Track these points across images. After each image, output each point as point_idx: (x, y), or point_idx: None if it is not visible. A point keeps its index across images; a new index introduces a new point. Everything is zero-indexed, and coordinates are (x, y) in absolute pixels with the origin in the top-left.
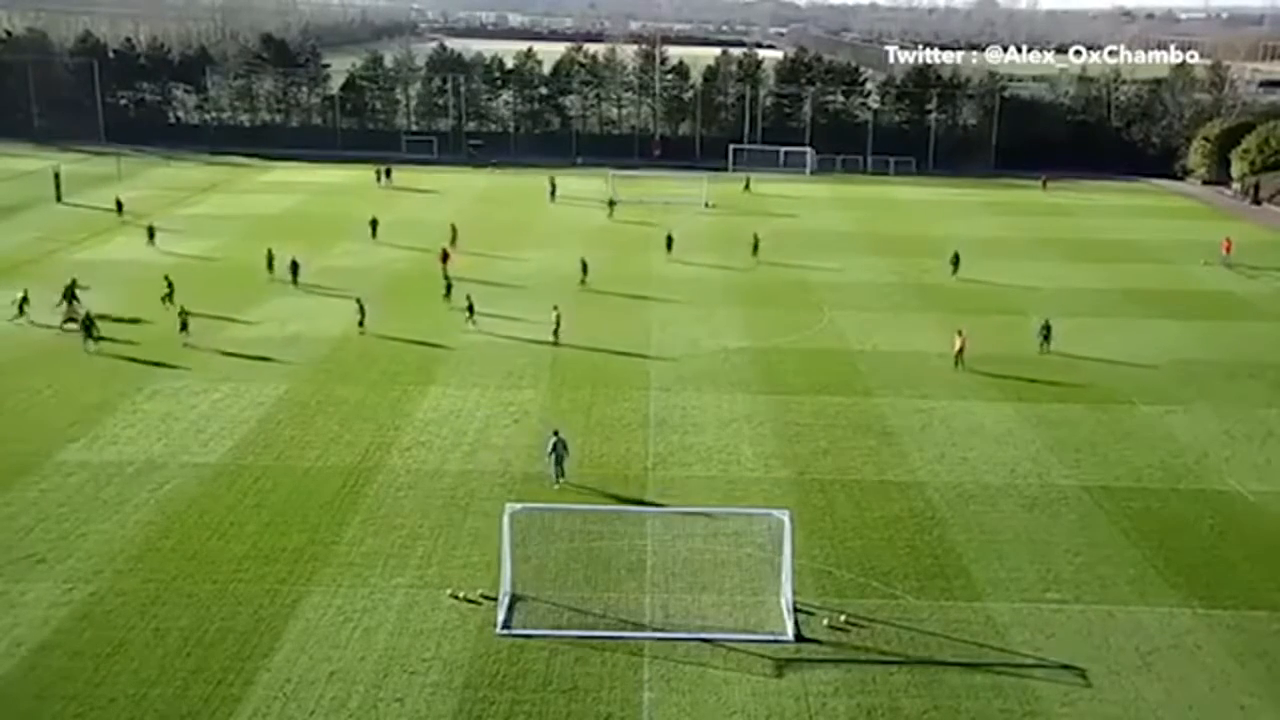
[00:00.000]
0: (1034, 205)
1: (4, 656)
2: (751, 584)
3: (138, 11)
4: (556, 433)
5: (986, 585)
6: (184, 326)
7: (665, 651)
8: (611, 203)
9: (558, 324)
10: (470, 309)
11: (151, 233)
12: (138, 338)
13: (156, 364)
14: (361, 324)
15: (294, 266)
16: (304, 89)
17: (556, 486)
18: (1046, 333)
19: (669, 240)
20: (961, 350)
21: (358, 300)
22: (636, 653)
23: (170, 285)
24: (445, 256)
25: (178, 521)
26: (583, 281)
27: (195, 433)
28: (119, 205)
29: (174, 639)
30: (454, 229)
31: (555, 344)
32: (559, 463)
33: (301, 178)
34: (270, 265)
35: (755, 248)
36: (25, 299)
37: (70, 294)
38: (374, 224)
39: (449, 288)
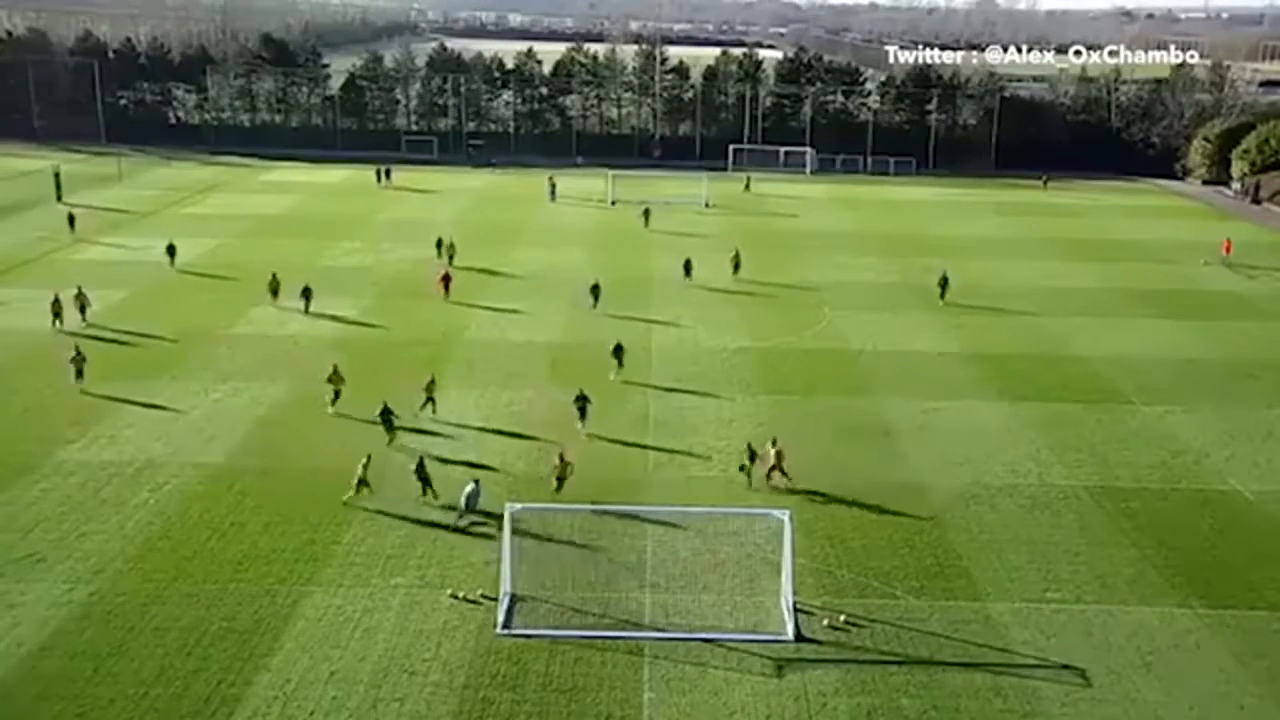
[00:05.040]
0: (1034, 205)
1: (4, 656)
2: (751, 584)
3: (138, 11)
4: (476, 481)
5: (986, 585)
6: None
7: (665, 651)
8: (646, 213)
9: (562, 473)
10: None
11: (172, 251)
12: (138, 339)
13: (156, 364)
14: (335, 400)
15: (306, 293)
16: (304, 89)
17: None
18: (945, 284)
19: (687, 265)
20: (777, 465)
21: (334, 368)
22: (636, 653)
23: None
24: (446, 280)
25: (178, 521)
26: (594, 304)
27: (195, 433)
28: (71, 221)
29: (174, 639)
30: (452, 245)
31: (556, 489)
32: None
33: (301, 178)
34: (274, 291)
35: (736, 266)
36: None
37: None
38: (440, 243)
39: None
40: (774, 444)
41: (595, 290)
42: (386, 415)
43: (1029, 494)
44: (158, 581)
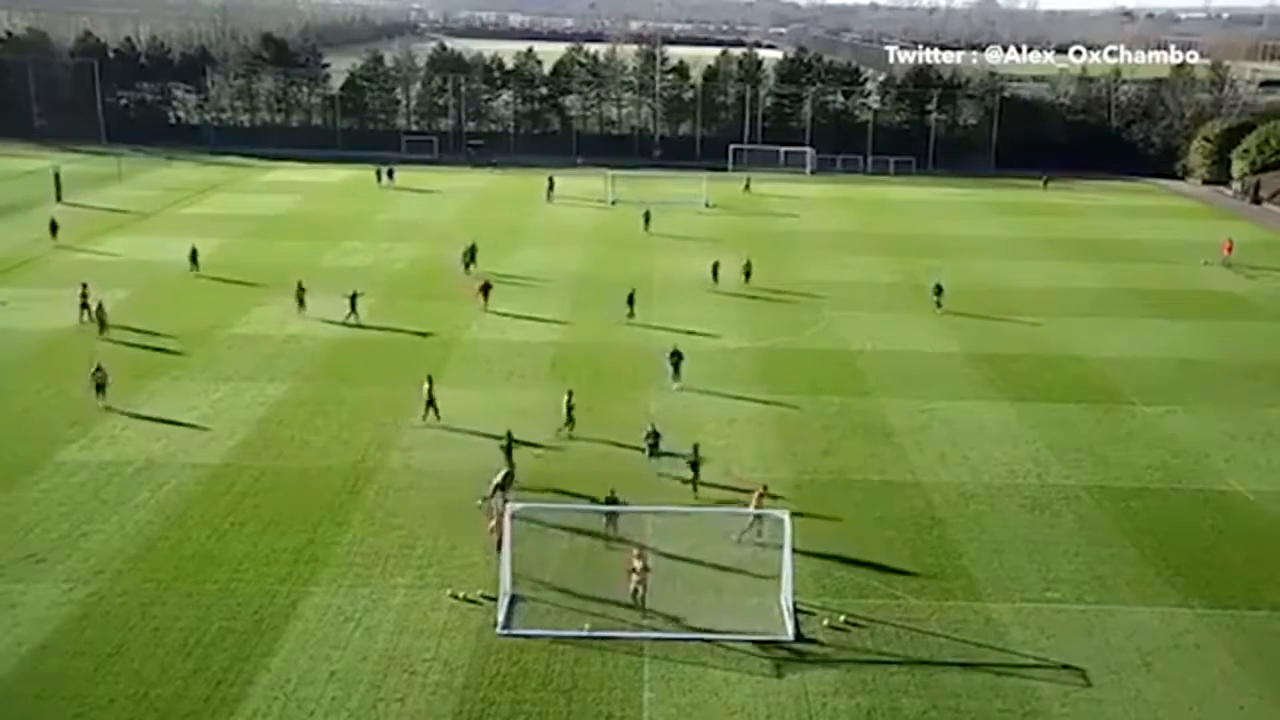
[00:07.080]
0: (1034, 205)
1: (4, 656)
2: (751, 584)
3: (138, 11)
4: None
5: (986, 585)
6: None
7: (665, 651)
8: (647, 216)
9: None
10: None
11: (194, 256)
12: (138, 339)
13: (157, 365)
14: (433, 412)
15: (353, 301)
16: (304, 89)
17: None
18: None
19: (715, 269)
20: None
21: (428, 379)
22: (636, 653)
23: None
24: (486, 288)
25: (178, 521)
26: (630, 315)
27: (195, 433)
28: (53, 227)
29: (174, 639)
30: (474, 249)
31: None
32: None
33: (302, 178)
34: (301, 300)
35: (747, 274)
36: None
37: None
38: (474, 249)
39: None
40: (763, 489)
41: (630, 299)
42: (509, 446)
43: (1029, 494)
44: (158, 582)
